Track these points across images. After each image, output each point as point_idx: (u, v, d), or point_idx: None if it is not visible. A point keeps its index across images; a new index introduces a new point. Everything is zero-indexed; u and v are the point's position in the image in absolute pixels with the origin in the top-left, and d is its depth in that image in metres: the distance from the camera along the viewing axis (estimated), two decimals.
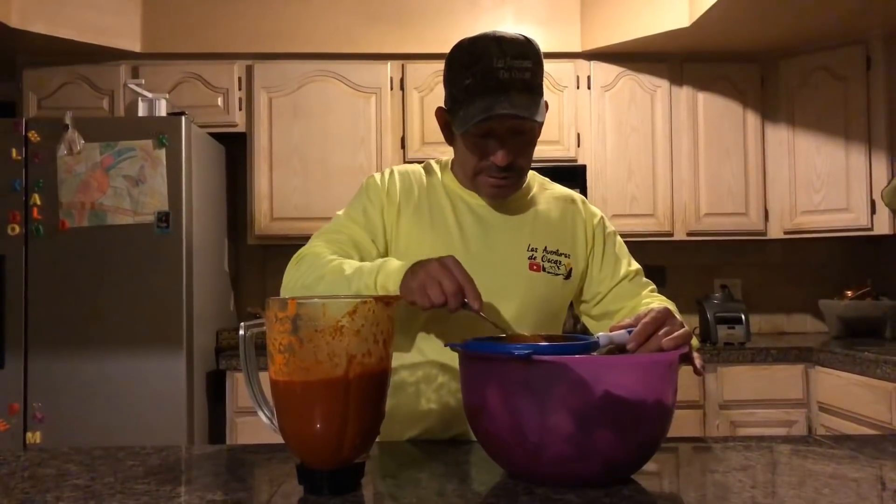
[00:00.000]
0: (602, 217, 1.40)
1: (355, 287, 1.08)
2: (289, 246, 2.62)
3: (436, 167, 1.37)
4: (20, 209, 2.59)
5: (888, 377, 2.34)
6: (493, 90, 1.15)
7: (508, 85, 1.15)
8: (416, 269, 1.03)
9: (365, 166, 3.14)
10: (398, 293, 1.04)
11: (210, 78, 3.15)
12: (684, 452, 1.16)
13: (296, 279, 1.20)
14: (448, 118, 1.26)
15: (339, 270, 1.13)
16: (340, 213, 1.33)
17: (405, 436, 1.27)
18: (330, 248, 1.23)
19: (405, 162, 3.14)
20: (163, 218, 2.60)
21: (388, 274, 1.06)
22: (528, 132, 1.23)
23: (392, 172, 1.34)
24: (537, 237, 1.31)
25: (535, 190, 1.38)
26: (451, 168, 1.36)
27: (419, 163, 1.41)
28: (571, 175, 3.09)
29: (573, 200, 1.40)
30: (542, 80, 1.21)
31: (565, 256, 1.32)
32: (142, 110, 2.90)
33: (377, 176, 1.34)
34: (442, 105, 1.27)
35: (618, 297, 1.35)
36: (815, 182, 3.10)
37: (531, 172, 1.40)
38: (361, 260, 1.25)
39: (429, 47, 3.13)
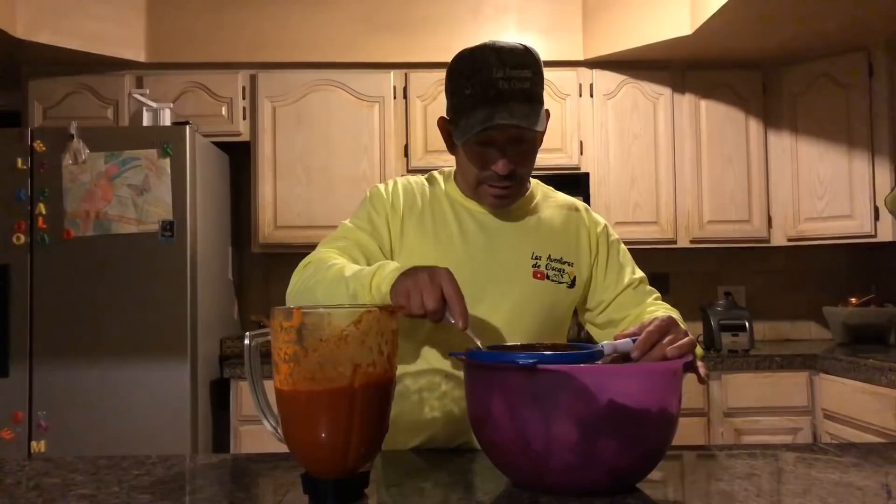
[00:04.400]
0: (605, 225, 1.40)
1: (353, 287, 1.08)
2: (292, 254, 2.63)
3: (439, 178, 1.38)
4: (25, 218, 2.60)
5: (893, 384, 2.33)
6: (492, 100, 1.16)
7: (508, 95, 1.16)
8: (407, 274, 1.03)
9: (368, 175, 3.15)
10: (388, 295, 1.04)
11: (214, 87, 3.16)
12: (689, 461, 1.16)
13: (300, 282, 1.20)
14: (450, 128, 1.26)
15: (339, 272, 1.14)
16: (346, 221, 1.33)
17: (409, 444, 1.27)
18: (338, 254, 1.24)
19: (408, 170, 3.14)
20: (167, 227, 2.61)
21: (384, 276, 1.06)
22: (529, 141, 1.23)
23: (395, 183, 1.35)
24: (541, 245, 1.31)
25: (538, 198, 1.38)
26: (454, 178, 1.36)
27: (422, 171, 1.42)
28: (574, 183, 3.10)
29: (577, 209, 1.40)
30: (542, 89, 1.22)
31: (569, 265, 1.32)
32: (146, 120, 2.91)
33: (381, 186, 1.35)
34: (444, 115, 1.28)
35: (622, 305, 1.35)
36: (818, 189, 3.10)
37: (534, 181, 1.40)
38: (369, 265, 1.25)
39: (432, 56, 3.14)
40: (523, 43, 1.23)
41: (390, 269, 1.07)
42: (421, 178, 1.38)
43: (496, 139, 1.20)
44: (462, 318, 0.99)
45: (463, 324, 0.99)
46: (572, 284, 1.32)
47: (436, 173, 1.39)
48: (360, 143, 3.16)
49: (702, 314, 3.11)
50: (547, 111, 1.26)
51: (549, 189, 1.43)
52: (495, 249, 1.29)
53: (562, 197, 1.42)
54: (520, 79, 1.17)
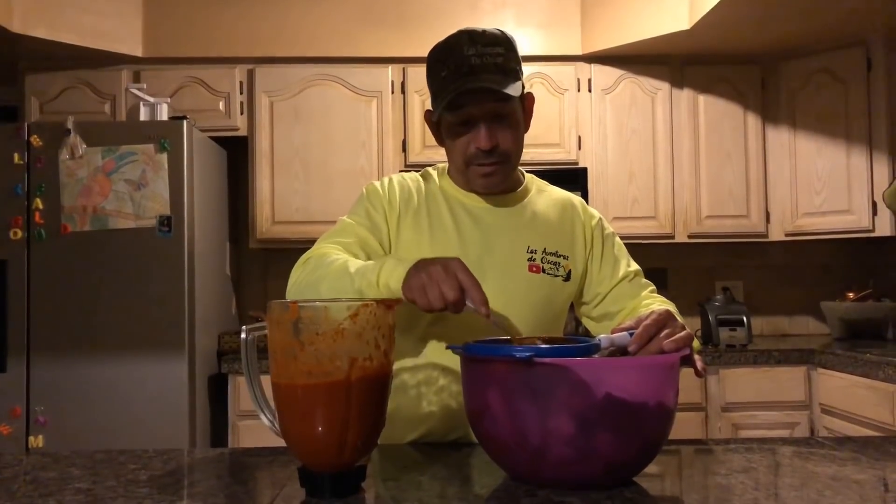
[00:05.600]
0: (600, 218, 1.41)
1: (358, 284, 1.08)
2: (290, 249, 2.63)
3: (433, 173, 1.38)
4: (22, 213, 2.60)
5: (890, 379, 2.34)
6: (465, 75, 1.19)
7: (480, 69, 1.19)
8: (419, 268, 1.02)
9: (366, 170, 3.14)
10: (400, 291, 1.03)
11: (211, 82, 3.16)
12: (686, 455, 1.16)
13: (301, 278, 1.20)
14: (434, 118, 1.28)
15: (343, 268, 1.13)
16: (344, 217, 1.33)
17: (406, 438, 1.27)
18: (337, 249, 1.24)
19: (406, 165, 3.14)
20: (164, 222, 2.61)
21: (391, 271, 1.05)
22: (509, 115, 1.24)
23: (391, 180, 1.35)
24: (536, 239, 1.31)
25: (533, 192, 1.38)
26: (448, 173, 1.37)
27: (420, 166, 1.42)
28: (573, 178, 3.09)
29: (571, 203, 1.40)
30: (517, 66, 1.24)
31: (564, 258, 1.32)
32: (143, 114, 2.90)
33: (377, 183, 1.35)
34: (430, 108, 1.29)
35: (618, 297, 1.35)
36: (816, 184, 3.10)
37: (529, 176, 1.41)
38: (369, 260, 1.25)
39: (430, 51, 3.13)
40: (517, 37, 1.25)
41: (396, 264, 1.06)
42: (415, 175, 1.39)
43: (474, 115, 1.21)
44: (483, 304, 0.98)
45: (485, 311, 0.98)
46: (567, 278, 1.32)
47: (430, 169, 1.40)
48: (357, 138, 3.16)
49: (700, 309, 3.11)
50: (531, 94, 1.29)
51: (544, 183, 1.43)
52: (491, 243, 1.29)
53: (557, 191, 1.43)
54: (492, 54, 1.20)
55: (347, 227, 1.30)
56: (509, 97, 1.20)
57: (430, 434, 1.26)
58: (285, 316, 0.85)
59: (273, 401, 0.90)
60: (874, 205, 2.95)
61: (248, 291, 3.44)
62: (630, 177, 3.20)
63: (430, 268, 1.00)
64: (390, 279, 1.04)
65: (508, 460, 0.94)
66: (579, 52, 3.22)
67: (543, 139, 3.13)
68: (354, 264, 1.13)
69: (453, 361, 1.23)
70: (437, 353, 1.25)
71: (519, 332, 1.24)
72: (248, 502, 0.91)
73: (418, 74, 3.16)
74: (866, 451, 1.12)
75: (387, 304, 0.89)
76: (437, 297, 0.98)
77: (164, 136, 2.63)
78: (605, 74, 3.22)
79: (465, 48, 1.20)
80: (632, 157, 3.20)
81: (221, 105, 3.16)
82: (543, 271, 1.30)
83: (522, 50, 1.29)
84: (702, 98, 3.23)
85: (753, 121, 3.23)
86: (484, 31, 1.23)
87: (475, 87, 1.18)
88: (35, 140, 2.62)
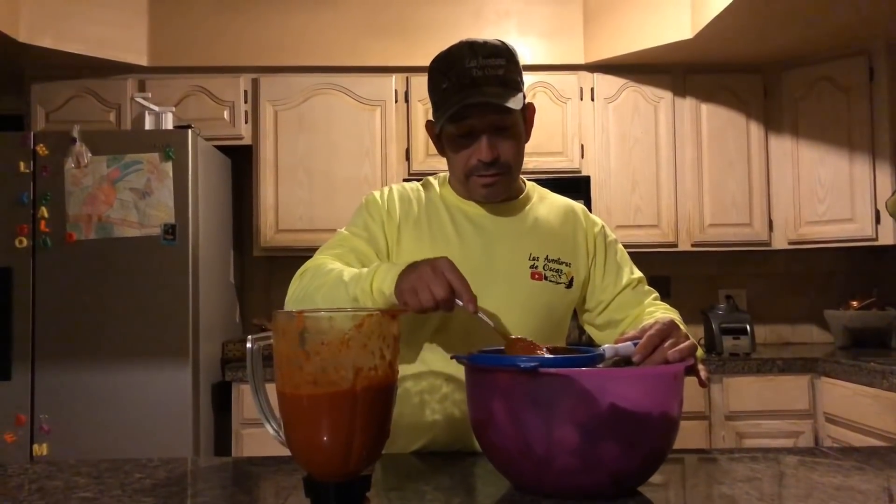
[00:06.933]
0: (603, 226, 1.41)
1: (352, 291, 1.09)
2: (294, 258, 2.62)
3: (434, 182, 1.39)
4: (28, 222, 2.61)
5: (895, 388, 2.33)
6: (467, 87, 1.20)
7: (482, 81, 1.20)
8: (408, 271, 1.04)
9: (370, 178, 3.15)
10: (393, 296, 1.05)
11: (216, 91, 3.17)
12: (690, 464, 1.16)
13: (299, 290, 1.21)
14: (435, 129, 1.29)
15: (338, 277, 1.14)
16: (342, 229, 1.34)
17: (410, 447, 1.27)
18: (334, 260, 1.24)
19: (410, 174, 3.16)
20: (169, 230, 2.62)
21: (383, 277, 1.07)
22: (510, 127, 1.25)
23: (391, 190, 1.36)
24: (538, 246, 1.32)
25: (534, 199, 1.39)
26: (449, 181, 1.37)
27: (424, 175, 1.43)
28: (575, 186, 3.10)
29: (573, 210, 1.41)
30: (517, 77, 1.25)
31: (566, 265, 1.33)
32: (148, 123, 2.92)
33: (376, 193, 1.36)
34: (431, 118, 1.30)
35: (621, 305, 1.36)
36: (818, 192, 3.10)
37: (530, 184, 1.41)
38: None
39: None
40: (514, 44, 1.26)
41: (388, 269, 1.08)
42: (416, 184, 1.39)
43: (476, 127, 1.22)
44: (471, 301, 1.00)
45: (473, 307, 1.00)
46: (570, 285, 1.33)
47: (430, 178, 1.41)
48: (361, 146, 3.17)
49: (703, 317, 3.11)
50: (531, 104, 1.30)
51: (545, 191, 1.44)
52: (493, 251, 1.30)
53: (559, 198, 1.43)
54: (493, 66, 1.21)
55: (345, 239, 1.31)
56: (511, 110, 1.21)
57: (433, 443, 1.26)
58: (291, 326, 0.86)
59: (278, 410, 0.90)
60: (877, 213, 2.95)
61: (252, 299, 3.45)
62: (633, 185, 3.20)
63: (419, 269, 1.03)
64: (383, 284, 1.06)
65: (513, 470, 0.94)
66: (582, 62, 3.23)
67: (546, 148, 3.14)
68: (349, 273, 1.15)
69: (457, 370, 1.23)
70: (441, 361, 1.26)
71: (509, 331, 1.24)
72: None
73: (422, 83, 3.15)
74: (871, 461, 1.12)
75: (391, 314, 0.89)
76: (428, 298, 1.00)
77: (169, 144, 2.64)
78: (607, 83, 3.23)
79: (466, 60, 1.21)
80: (635, 166, 3.21)
81: (226, 114, 3.17)
82: (545, 278, 1.30)
83: (525, 59, 1.31)
84: (704, 107, 3.23)
85: (756, 129, 3.23)
86: (485, 43, 1.24)
87: (477, 102, 1.18)
88: (41, 149, 2.63)
